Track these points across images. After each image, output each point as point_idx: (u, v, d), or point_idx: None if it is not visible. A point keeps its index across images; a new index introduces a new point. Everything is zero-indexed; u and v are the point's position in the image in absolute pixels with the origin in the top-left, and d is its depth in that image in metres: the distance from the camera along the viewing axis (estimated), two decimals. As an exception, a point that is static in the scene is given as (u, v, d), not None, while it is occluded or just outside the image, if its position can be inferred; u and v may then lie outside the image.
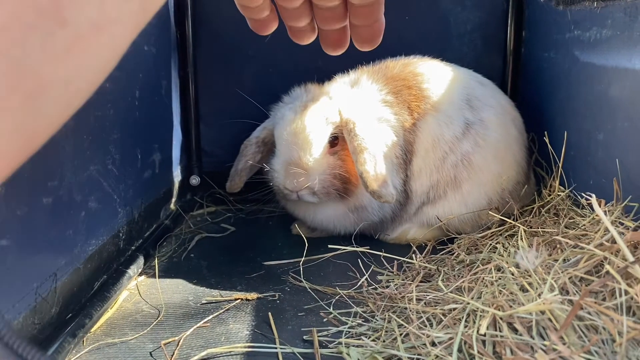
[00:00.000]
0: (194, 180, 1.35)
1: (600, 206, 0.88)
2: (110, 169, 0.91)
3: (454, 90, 1.06)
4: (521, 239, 0.82)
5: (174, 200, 1.28)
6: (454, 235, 1.06)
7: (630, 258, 0.58)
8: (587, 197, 0.75)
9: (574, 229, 0.89)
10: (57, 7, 0.30)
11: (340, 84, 1.09)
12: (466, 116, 1.05)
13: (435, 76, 1.08)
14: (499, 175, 1.06)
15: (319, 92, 1.07)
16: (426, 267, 0.91)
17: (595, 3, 0.96)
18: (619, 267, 0.61)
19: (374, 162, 0.94)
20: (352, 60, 1.08)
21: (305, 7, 0.56)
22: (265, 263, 1.03)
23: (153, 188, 1.14)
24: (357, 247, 1.02)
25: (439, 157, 1.04)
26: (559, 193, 1.02)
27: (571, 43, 1.07)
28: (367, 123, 1.00)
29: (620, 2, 0.89)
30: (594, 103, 0.98)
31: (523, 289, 0.68)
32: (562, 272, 0.65)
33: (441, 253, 0.97)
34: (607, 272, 0.60)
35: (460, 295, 0.73)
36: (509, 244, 0.90)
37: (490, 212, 1.03)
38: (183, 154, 1.34)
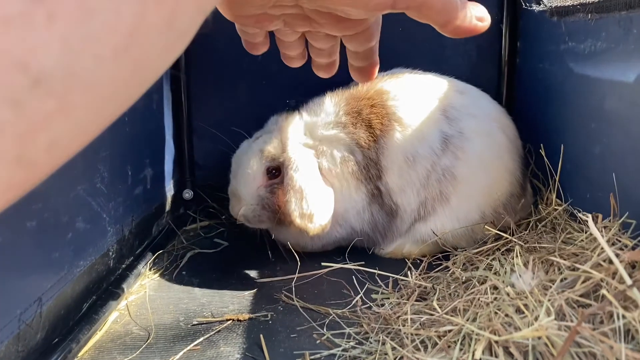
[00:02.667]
0: (187, 194, 1.33)
1: (597, 221, 0.87)
2: (99, 188, 0.90)
3: (426, 104, 1.05)
4: (517, 255, 0.80)
5: (166, 215, 1.26)
6: (449, 251, 1.04)
7: (628, 281, 0.57)
8: (584, 214, 0.73)
9: (572, 244, 0.87)
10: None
11: (302, 114, 1.11)
12: (443, 129, 1.03)
13: (404, 92, 1.06)
14: (490, 187, 1.04)
15: (283, 123, 1.08)
16: (421, 285, 0.89)
17: (590, 15, 0.95)
18: (616, 289, 0.60)
19: (301, 199, 0.97)
20: (346, 72, 1.07)
21: (300, 40, 0.59)
22: (258, 280, 1.01)
23: (144, 204, 1.13)
24: (350, 264, 1.01)
25: (423, 175, 1.03)
26: (555, 207, 1.01)
27: (566, 55, 1.06)
28: (305, 156, 1.02)
29: (614, 14, 0.88)
30: (589, 116, 0.97)
31: (519, 311, 0.67)
32: (558, 294, 0.63)
33: (436, 270, 0.96)
34: (605, 296, 0.59)
35: (455, 317, 0.71)
36: (505, 259, 0.88)
37: (485, 226, 1.02)
38: (176, 168, 1.33)
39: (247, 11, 0.51)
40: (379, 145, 1.04)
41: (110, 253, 0.95)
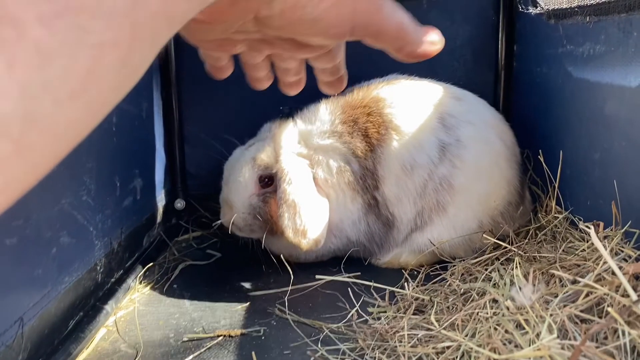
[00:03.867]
0: (179, 204, 1.30)
1: (598, 230, 0.84)
2: (85, 200, 0.87)
3: (423, 111, 1.02)
4: (516, 267, 0.78)
5: (158, 226, 1.23)
6: (447, 261, 1.02)
7: (633, 296, 0.54)
8: (586, 225, 0.71)
9: (573, 254, 0.85)
10: None
11: (296, 121, 1.08)
12: (440, 137, 1.00)
13: (400, 99, 1.04)
14: (487, 196, 1.02)
15: (276, 131, 1.06)
16: (418, 297, 0.86)
17: (588, 18, 0.93)
18: (621, 303, 0.57)
19: (294, 214, 0.95)
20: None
21: (265, 61, 0.60)
22: (251, 293, 0.98)
23: (134, 216, 1.10)
24: (345, 276, 0.98)
25: (420, 184, 1.00)
26: (556, 215, 0.99)
27: (564, 58, 1.03)
28: (299, 168, 1.00)
29: (613, 17, 0.85)
30: (589, 121, 0.94)
31: (520, 326, 0.64)
32: (560, 309, 0.61)
33: (434, 281, 0.93)
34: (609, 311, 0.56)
35: (454, 332, 0.69)
36: (504, 270, 0.86)
37: (484, 235, 0.99)
38: (167, 178, 1.30)
39: (210, 36, 0.51)
40: (376, 155, 1.01)
41: (98, 267, 0.93)
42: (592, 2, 0.92)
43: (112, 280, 0.98)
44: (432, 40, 0.54)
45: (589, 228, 0.61)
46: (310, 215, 0.95)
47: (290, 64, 0.61)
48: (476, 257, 0.97)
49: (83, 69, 0.25)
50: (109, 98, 0.28)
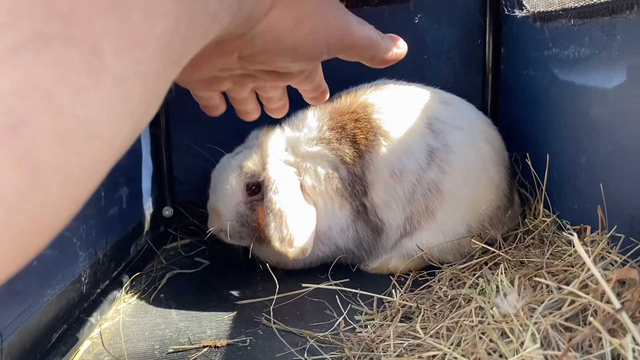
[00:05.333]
0: (167, 211, 1.29)
1: (585, 234, 0.84)
2: (68, 211, 0.86)
3: (412, 116, 1.01)
4: (501, 273, 0.77)
5: (145, 234, 1.22)
6: (436, 265, 1.01)
7: (616, 305, 0.54)
8: (569, 232, 0.70)
9: (560, 258, 0.84)
10: None
11: (283, 128, 1.08)
12: (428, 142, 1.00)
13: (389, 105, 1.03)
14: (475, 201, 1.01)
15: (263, 138, 1.05)
16: (405, 304, 0.86)
17: (572, 20, 0.93)
18: (605, 311, 0.56)
19: (280, 223, 0.94)
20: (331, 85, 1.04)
21: (251, 94, 0.65)
22: (239, 302, 0.98)
23: (120, 225, 1.09)
24: (332, 283, 0.97)
25: (408, 190, 1.00)
26: (543, 219, 0.98)
27: (550, 61, 1.03)
28: (286, 176, 0.99)
29: (597, 19, 0.85)
30: (575, 124, 0.94)
31: (505, 334, 0.64)
32: (544, 318, 0.60)
33: (421, 287, 0.92)
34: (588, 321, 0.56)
35: (439, 341, 0.68)
36: (492, 275, 0.85)
37: (472, 240, 0.99)
38: (154, 185, 1.29)
39: (196, 77, 0.55)
40: (364, 161, 1.01)
41: (83, 279, 0.91)
42: (576, 5, 0.91)
43: (98, 291, 0.97)
44: (398, 45, 0.61)
45: (572, 235, 0.60)
46: (297, 224, 0.94)
47: (273, 92, 0.66)
48: (464, 262, 0.96)
49: (139, 101, 0.29)
50: (144, 122, 0.32)
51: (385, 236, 1.05)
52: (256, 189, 1.03)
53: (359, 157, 1.01)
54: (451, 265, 0.98)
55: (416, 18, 1.26)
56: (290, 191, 0.97)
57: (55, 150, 0.25)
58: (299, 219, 0.95)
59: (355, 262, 1.09)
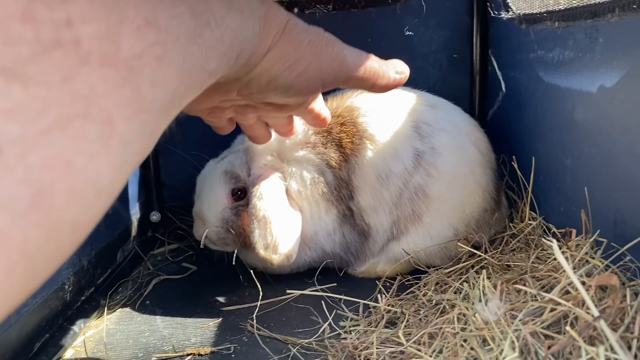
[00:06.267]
0: (154, 216, 1.29)
1: (570, 238, 0.84)
2: (50, 219, 0.85)
3: (398, 119, 1.01)
4: (484, 279, 0.77)
5: (132, 240, 1.21)
6: (423, 269, 1.01)
7: (595, 313, 0.54)
8: (549, 240, 0.70)
9: (545, 262, 0.84)
10: None
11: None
12: (415, 146, 0.99)
13: (374, 108, 1.02)
14: (462, 204, 1.01)
15: (248, 143, 1.05)
16: (390, 310, 0.85)
17: (557, 23, 0.92)
18: (586, 321, 0.56)
19: (265, 230, 0.92)
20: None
21: (259, 122, 0.72)
22: (225, 308, 0.97)
23: (106, 231, 1.08)
24: (317, 289, 0.97)
25: (395, 194, 0.99)
26: (529, 222, 0.98)
27: (536, 63, 1.03)
28: (270, 181, 0.98)
29: (580, 22, 0.85)
30: (560, 127, 0.94)
31: (486, 341, 0.63)
32: (524, 325, 0.60)
33: (407, 292, 0.92)
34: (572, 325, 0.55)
35: (421, 348, 0.68)
36: (476, 280, 0.85)
37: (459, 243, 0.98)
38: (141, 190, 1.28)
39: (199, 106, 0.58)
40: (350, 165, 1.00)
41: (66, 287, 0.91)
42: (560, 7, 0.91)
43: (82, 298, 0.97)
44: (399, 70, 0.64)
45: (552, 241, 0.60)
46: (282, 230, 0.93)
47: (277, 120, 0.73)
48: (450, 266, 0.96)
49: (139, 153, 0.35)
50: (139, 165, 0.38)
51: (372, 240, 1.04)
52: (241, 194, 1.02)
53: (344, 161, 1.00)
54: (438, 269, 0.97)
55: (406, 30, 1.25)
56: (275, 197, 0.96)
57: (70, 207, 0.29)
58: (283, 226, 0.94)
59: (343, 266, 1.09)
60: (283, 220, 0.94)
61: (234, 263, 1.01)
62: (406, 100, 1.05)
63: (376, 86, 0.61)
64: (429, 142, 1.00)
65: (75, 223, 0.30)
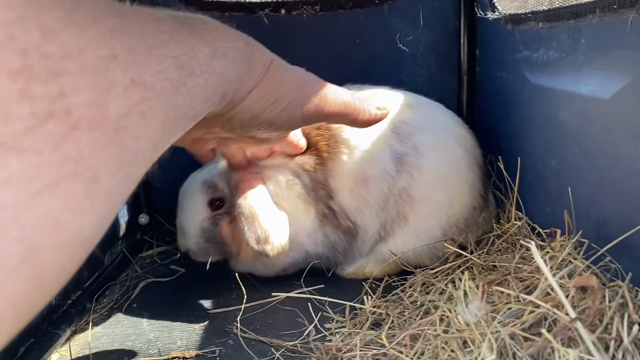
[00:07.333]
0: (143, 219, 1.28)
1: (555, 238, 0.84)
2: (33, 224, 0.85)
3: None
4: (465, 281, 0.77)
5: (120, 242, 1.21)
6: (410, 270, 1.01)
7: (572, 314, 0.54)
8: (527, 242, 0.70)
9: (530, 261, 0.84)
10: None
11: None
12: (394, 148, 0.99)
13: None
14: (449, 203, 1.01)
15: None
16: (375, 311, 0.85)
17: (541, 24, 0.92)
18: (564, 323, 0.56)
19: (253, 223, 0.92)
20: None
21: (240, 150, 0.80)
22: (211, 311, 0.97)
23: (93, 234, 1.08)
24: (304, 290, 0.97)
25: (380, 197, 0.99)
26: (515, 222, 0.98)
27: (521, 63, 1.03)
28: (253, 182, 0.97)
29: (563, 23, 0.85)
30: (545, 127, 0.94)
31: (466, 343, 0.63)
32: (503, 327, 0.60)
33: (393, 293, 0.92)
34: (550, 329, 0.55)
35: (403, 351, 0.68)
36: (460, 281, 0.85)
37: (445, 244, 0.98)
38: (130, 192, 1.28)
39: (182, 138, 0.60)
40: (327, 168, 0.99)
41: (52, 290, 0.90)
42: (544, 8, 0.91)
43: (69, 302, 0.96)
44: (380, 107, 0.67)
45: (530, 243, 0.60)
46: (270, 222, 0.92)
47: (260, 149, 0.79)
48: (437, 267, 0.96)
49: (121, 201, 0.37)
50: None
51: (360, 240, 1.04)
52: (220, 203, 1.02)
53: (320, 165, 1.00)
54: (424, 270, 0.97)
55: (394, 31, 1.25)
56: (258, 194, 0.96)
57: (56, 259, 0.31)
58: (271, 218, 0.93)
59: (332, 266, 1.08)
60: (270, 214, 0.94)
61: (207, 268, 1.01)
62: (384, 102, 1.04)
63: (357, 121, 0.64)
64: (409, 142, 1.00)
65: (60, 272, 0.32)
